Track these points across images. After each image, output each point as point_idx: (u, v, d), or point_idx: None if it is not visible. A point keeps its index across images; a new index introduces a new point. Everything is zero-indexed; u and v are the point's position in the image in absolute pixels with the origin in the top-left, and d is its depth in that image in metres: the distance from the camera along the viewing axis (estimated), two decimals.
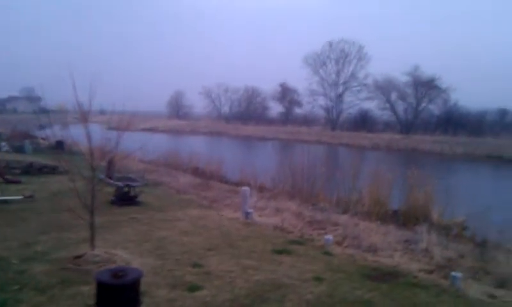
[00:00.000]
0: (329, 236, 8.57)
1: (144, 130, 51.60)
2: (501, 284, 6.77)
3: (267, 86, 73.13)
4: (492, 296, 6.21)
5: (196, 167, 18.37)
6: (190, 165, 18.72)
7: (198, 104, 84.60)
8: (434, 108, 54.99)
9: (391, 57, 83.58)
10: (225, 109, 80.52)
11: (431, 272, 7.16)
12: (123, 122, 7.58)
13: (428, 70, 54.06)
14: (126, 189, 11.44)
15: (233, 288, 5.73)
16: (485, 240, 9.39)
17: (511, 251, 8.35)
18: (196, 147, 26.70)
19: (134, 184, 11.68)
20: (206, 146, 35.94)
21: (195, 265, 6.58)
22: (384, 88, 57.05)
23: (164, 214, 10.27)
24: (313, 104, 66.22)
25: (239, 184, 14.12)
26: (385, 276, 6.73)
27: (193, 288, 5.63)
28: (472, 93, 70.13)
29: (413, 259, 7.86)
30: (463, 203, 11.95)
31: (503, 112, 49.36)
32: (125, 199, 11.24)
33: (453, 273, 6.57)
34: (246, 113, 72.31)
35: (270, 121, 67.94)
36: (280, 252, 7.59)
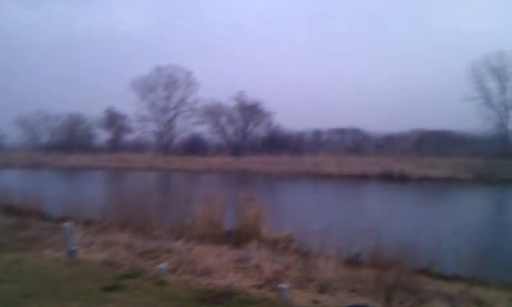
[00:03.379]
0: (163, 265, 8.33)
1: None
2: (322, 289, 7.37)
3: (93, 111, 68.46)
4: (315, 302, 6.71)
5: (9, 205, 16.18)
6: (1, 204, 16.42)
7: (11, 134, 74.81)
8: (260, 130, 58.88)
9: (220, 82, 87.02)
10: (45, 139, 73.35)
11: (261, 287, 7.45)
12: None
13: (254, 95, 57.49)
14: None
15: None
16: (308, 251, 10.17)
17: (329, 257, 9.17)
18: (10, 182, 23.75)
19: None
20: (22, 181, 32.19)
21: None
22: (214, 112, 59.03)
23: None
24: (143, 130, 64.92)
25: (62, 220, 12.87)
26: (220, 297, 6.78)
27: None
28: (291, 115, 76.79)
29: (245, 277, 8.09)
30: (289, 217, 12.85)
31: (318, 133, 55.19)
32: None
33: (280, 285, 6.93)
34: (70, 142, 66.84)
35: (97, 149, 64.16)
36: (109, 289, 7.07)
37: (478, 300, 6.90)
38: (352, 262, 9.40)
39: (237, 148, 56.12)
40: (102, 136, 69.81)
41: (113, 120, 66.76)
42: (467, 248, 8.93)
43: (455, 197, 26.20)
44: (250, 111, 57.49)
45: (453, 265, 9.01)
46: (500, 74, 44.45)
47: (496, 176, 31.17)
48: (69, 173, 44.47)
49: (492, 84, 45.29)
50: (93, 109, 69.54)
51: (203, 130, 61.12)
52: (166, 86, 63.22)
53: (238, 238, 11.81)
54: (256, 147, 55.15)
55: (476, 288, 7.55)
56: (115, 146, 65.10)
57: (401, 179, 32.81)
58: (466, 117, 49.97)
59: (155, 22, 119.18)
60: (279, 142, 53.37)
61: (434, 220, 16.38)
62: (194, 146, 57.42)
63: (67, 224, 9.58)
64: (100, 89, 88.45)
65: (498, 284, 7.68)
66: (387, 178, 33.56)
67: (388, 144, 48.74)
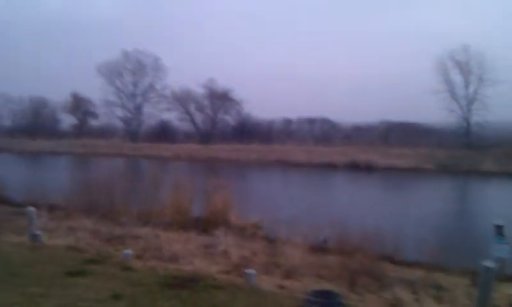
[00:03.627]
0: (129, 251, 8.24)
1: None
2: (289, 275, 7.48)
3: (58, 96, 66.08)
4: (281, 287, 6.81)
5: None
6: None
7: None
8: (230, 119, 58.60)
9: (190, 69, 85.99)
10: (7, 122, 70.46)
11: (228, 272, 7.50)
12: None
13: (224, 83, 57.00)
14: None
15: None
16: (276, 237, 10.27)
17: (296, 244, 9.30)
18: None
19: None
20: None
21: None
22: (183, 100, 58.20)
23: None
24: (110, 115, 63.26)
25: (25, 205, 12.51)
26: (186, 283, 6.76)
27: None
28: (261, 104, 76.83)
29: (212, 263, 8.12)
30: (258, 205, 12.94)
31: (287, 122, 55.42)
32: None
33: (247, 270, 6.99)
34: (33, 126, 64.43)
35: (62, 134, 62.12)
36: (73, 274, 6.94)
37: (438, 286, 7.14)
38: (319, 249, 9.57)
39: (206, 136, 55.76)
40: (68, 121, 67.86)
41: (78, 105, 64.86)
42: (429, 236, 9.23)
43: (419, 186, 26.90)
44: (220, 99, 57.02)
45: (415, 252, 9.29)
46: (464, 68, 45.60)
47: (459, 167, 32.13)
48: (33, 157, 43.25)
49: (457, 78, 46.43)
50: (58, 94, 67.19)
51: (172, 117, 60.26)
52: (133, 72, 61.60)
53: (206, 224, 11.83)
54: (226, 135, 54.85)
55: (437, 274, 7.81)
56: (81, 131, 63.40)
57: (368, 168, 33.39)
58: (432, 109, 51.22)
59: (124, 6, 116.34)
60: (249, 131, 53.28)
61: (399, 209, 16.81)
62: (163, 133, 56.64)
63: (31, 208, 9.34)
64: (66, 73, 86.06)
65: (457, 271, 7.97)
66: (355, 167, 34.07)
67: (355, 134, 49.45)
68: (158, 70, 61.50)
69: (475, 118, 44.78)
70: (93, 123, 66.98)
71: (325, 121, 53.17)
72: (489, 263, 5.34)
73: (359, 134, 48.87)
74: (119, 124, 64.24)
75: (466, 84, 45.98)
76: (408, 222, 12.37)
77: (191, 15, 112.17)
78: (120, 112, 62.50)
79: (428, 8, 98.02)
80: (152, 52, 61.12)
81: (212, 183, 13.29)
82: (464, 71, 45.82)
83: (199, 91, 57.65)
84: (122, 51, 60.79)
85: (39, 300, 5.72)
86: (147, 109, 62.39)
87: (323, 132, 51.88)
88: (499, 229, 7.66)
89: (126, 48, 60.85)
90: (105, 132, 62.13)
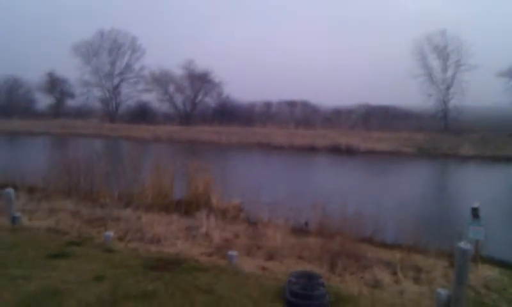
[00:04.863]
0: (110, 233, 8.21)
1: None
2: (270, 256, 7.56)
3: (33, 75, 64.52)
4: (263, 268, 6.89)
5: None
6: None
7: None
8: (210, 100, 58.14)
9: (169, 52, 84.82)
10: None
11: (210, 254, 7.55)
12: None
13: (204, 64, 56.50)
14: None
15: None
16: (258, 220, 10.34)
17: (278, 226, 9.37)
18: None
19: None
20: None
21: None
22: (162, 80, 57.46)
23: None
24: (87, 95, 62.06)
25: (2, 186, 12.28)
26: (168, 265, 6.79)
27: None
28: (242, 87, 76.52)
29: (194, 245, 8.16)
30: (240, 187, 12.93)
31: (268, 105, 55.38)
32: None
33: (230, 252, 7.05)
34: (8, 106, 62.97)
35: (39, 115, 60.90)
36: (54, 256, 6.90)
37: (417, 267, 7.32)
38: (300, 231, 9.67)
39: (186, 118, 55.35)
40: (44, 101, 66.40)
41: (55, 84, 63.48)
42: (408, 218, 9.40)
43: (399, 170, 27.29)
44: (200, 80, 56.47)
45: (395, 234, 9.46)
46: (441, 53, 46.05)
47: (437, 150, 32.73)
48: (9, 137, 42.33)
49: (435, 62, 46.90)
50: (33, 73, 65.59)
51: (151, 98, 59.49)
52: (110, 51, 60.50)
53: (188, 207, 11.82)
54: (206, 117, 54.47)
55: (415, 255, 8.00)
56: (58, 111, 62.28)
57: (349, 152, 33.69)
58: (411, 93, 51.82)
59: None
60: (229, 113, 53.07)
61: (379, 192, 17.04)
62: (142, 114, 55.97)
63: (9, 190, 9.18)
64: (41, 53, 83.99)
65: (435, 252, 8.16)
66: (335, 150, 34.32)
67: (336, 117, 49.75)
68: (135, 50, 60.78)
69: (453, 102, 45.49)
70: (70, 103, 65.87)
71: (305, 104, 53.32)
72: (465, 245, 5.49)
73: (339, 117, 49.17)
74: (97, 104, 63.31)
75: (444, 69, 46.53)
76: (388, 205, 12.56)
77: None
78: (97, 92, 61.55)
79: None
80: (129, 32, 60.28)
81: (193, 165, 13.23)
82: (441, 55, 46.32)
83: (178, 72, 57.04)
84: (98, 30, 59.73)
85: (20, 283, 5.68)
86: (125, 90, 61.68)
87: (304, 115, 51.99)
88: (475, 212, 7.85)
89: (102, 28, 59.84)
90: (82, 113, 61.22)
